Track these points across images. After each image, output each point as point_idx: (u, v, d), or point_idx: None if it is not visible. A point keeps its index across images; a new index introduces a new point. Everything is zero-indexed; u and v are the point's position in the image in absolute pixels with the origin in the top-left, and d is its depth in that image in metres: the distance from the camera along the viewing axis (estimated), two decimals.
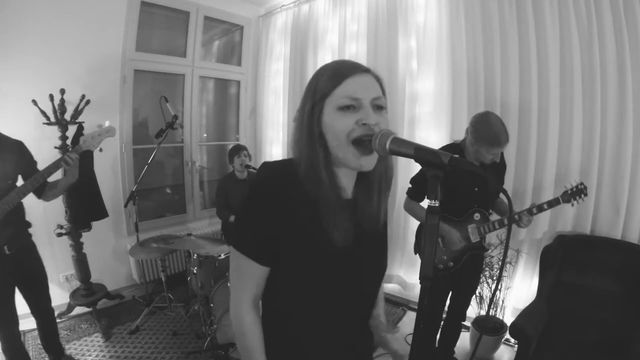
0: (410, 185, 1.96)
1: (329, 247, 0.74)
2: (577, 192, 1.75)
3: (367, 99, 0.71)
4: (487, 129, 1.70)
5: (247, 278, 0.78)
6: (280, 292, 0.80)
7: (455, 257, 1.89)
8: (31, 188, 1.78)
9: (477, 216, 1.88)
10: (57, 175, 1.94)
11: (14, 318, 1.90)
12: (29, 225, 1.98)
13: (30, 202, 1.89)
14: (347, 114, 0.70)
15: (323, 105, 0.72)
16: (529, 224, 1.80)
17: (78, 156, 1.85)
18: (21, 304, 1.96)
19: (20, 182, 1.85)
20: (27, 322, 2.10)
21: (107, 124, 2.03)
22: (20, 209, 1.88)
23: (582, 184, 1.77)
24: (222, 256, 2.37)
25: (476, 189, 1.86)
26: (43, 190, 1.92)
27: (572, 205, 1.80)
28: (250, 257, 0.75)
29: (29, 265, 1.95)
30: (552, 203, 1.76)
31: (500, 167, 1.96)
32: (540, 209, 1.77)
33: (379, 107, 0.73)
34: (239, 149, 3.01)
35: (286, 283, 0.78)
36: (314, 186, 0.73)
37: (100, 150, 2.03)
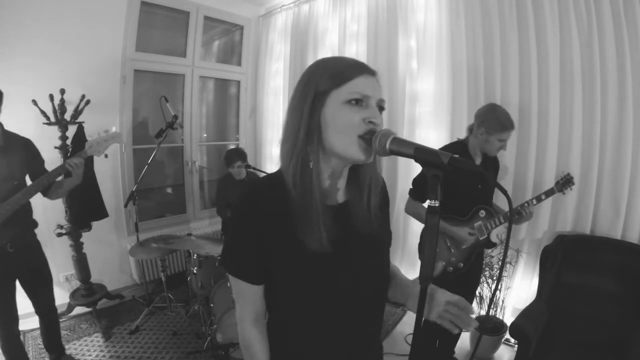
0: (412, 187, 1.96)
1: (309, 254, 0.72)
2: (566, 182, 1.94)
3: (375, 99, 0.72)
4: (494, 116, 1.81)
5: (244, 297, 0.80)
6: (277, 305, 0.80)
7: (465, 257, 1.90)
8: (36, 190, 1.79)
9: (482, 213, 1.90)
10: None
11: (13, 316, 1.91)
12: (35, 225, 2.00)
13: (32, 201, 1.89)
14: (354, 108, 0.70)
15: (327, 98, 0.71)
16: (531, 217, 1.91)
17: (83, 161, 1.86)
18: (22, 304, 1.96)
19: (28, 180, 1.86)
20: (27, 322, 2.11)
21: (113, 129, 2.02)
22: (26, 209, 1.89)
23: (569, 174, 1.96)
24: None
25: (479, 186, 1.88)
26: (49, 189, 1.92)
27: (564, 193, 1.98)
28: (241, 279, 0.77)
29: (34, 264, 1.97)
30: (549, 193, 1.93)
31: (495, 166, 2.03)
32: (539, 199, 1.91)
33: (381, 109, 0.74)
34: (231, 160, 2.86)
35: (281, 295, 0.78)
36: (301, 184, 0.72)
37: (106, 156, 2.02)
